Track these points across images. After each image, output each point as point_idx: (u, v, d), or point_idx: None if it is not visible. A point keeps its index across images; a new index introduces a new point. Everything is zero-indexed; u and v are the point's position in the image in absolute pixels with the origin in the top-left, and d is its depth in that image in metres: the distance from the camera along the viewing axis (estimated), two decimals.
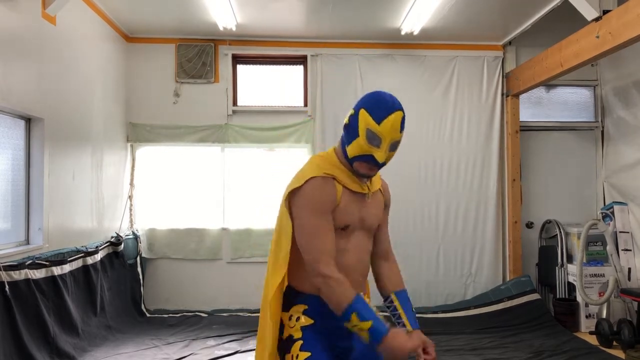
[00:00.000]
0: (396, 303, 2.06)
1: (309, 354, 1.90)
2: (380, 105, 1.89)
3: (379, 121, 1.86)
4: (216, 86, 6.14)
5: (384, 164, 1.92)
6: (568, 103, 6.37)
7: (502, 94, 6.23)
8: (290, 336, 1.95)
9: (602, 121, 6.22)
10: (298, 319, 1.96)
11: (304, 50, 6.16)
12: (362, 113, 1.90)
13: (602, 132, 6.21)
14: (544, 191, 6.30)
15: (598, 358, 4.45)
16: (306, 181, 1.92)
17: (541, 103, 6.40)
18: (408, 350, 1.76)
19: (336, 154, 2.03)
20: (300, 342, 1.93)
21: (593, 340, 4.92)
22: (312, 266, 1.86)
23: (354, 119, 1.92)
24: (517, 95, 6.10)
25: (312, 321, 1.95)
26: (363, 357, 2.00)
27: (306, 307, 1.97)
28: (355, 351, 2.02)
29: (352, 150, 1.92)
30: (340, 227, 1.95)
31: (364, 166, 1.93)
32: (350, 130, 1.93)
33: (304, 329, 1.95)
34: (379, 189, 2.12)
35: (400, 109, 1.90)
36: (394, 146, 1.92)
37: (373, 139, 1.88)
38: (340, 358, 2.00)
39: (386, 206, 2.17)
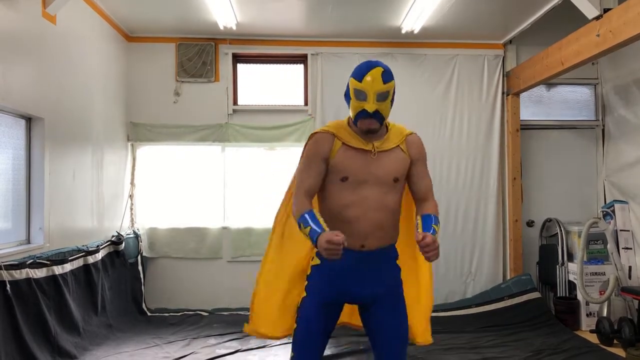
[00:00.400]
0: (418, 220, 2.31)
1: (305, 294, 2.37)
2: (361, 67, 2.26)
3: (360, 79, 2.23)
4: (216, 85, 6.14)
5: (380, 115, 2.25)
6: (568, 101, 6.37)
7: (503, 93, 6.23)
8: (309, 274, 2.41)
9: (602, 120, 6.22)
10: (313, 258, 2.40)
11: (304, 49, 6.16)
12: (350, 81, 2.29)
13: (603, 130, 6.21)
14: (545, 190, 6.30)
15: (598, 356, 4.45)
16: (310, 136, 2.37)
17: (541, 101, 6.40)
18: (326, 240, 2.00)
19: (348, 120, 2.40)
20: (306, 282, 2.39)
21: (594, 338, 4.92)
22: (293, 196, 2.33)
23: (347, 88, 2.32)
24: (517, 94, 6.10)
25: (319, 262, 2.35)
26: (385, 323, 2.32)
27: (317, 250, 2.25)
28: (377, 312, 2.32)
29: (352, 113, 2.31)
30: (339, 178, 2.29)
31: (363, 122, 2.27)
32: (347, 98, 2.33)
33: (313, 267, 2.39)
34: (399, 146, 2.37)
35: (381, 65, 2.24)
36: (381, 96, 2.23)
37: (359, 94, 2.24)
38: (356, 302, 2.37)
39: (415, 160, 2.42)
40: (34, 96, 4.07)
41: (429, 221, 2.27)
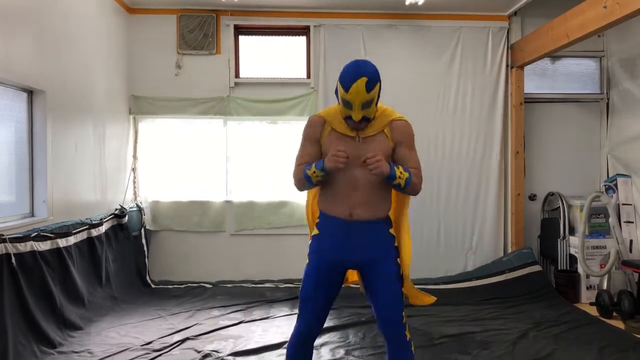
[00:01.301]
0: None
1: (308, 260, 2.67)
2: (347, 76, 2.44)
3: (346, 90, 2.43)
4: (218, 58, 6.09)
5: (365, 119, 2.50)
6: (573, 74, 6.31)
7: (507, 66, 6.17)
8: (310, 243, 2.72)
9: (607, 93, 6.18)
10: (313, 229, 2.72)
11: (307, 20, 6.09)
12: (338, 84, 2.51)
13: (607, 104, 6.16)
14: (547, 163, 6.29)
15: (597, 329, 4.50)
16: (308, 120, 2.73)
17: (546, 74, 6.34)
18: (331, 154, 2.46)
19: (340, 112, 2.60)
20: (308, 251, 2.69)
21: (593, 311, 4.97)
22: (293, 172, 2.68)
23: (336, 90, 2.55)
24: (521, 67, 6.04)
25: (317, 232, 2.68)
26: (378, 288, 2.58)
27: (319, 220, 2.69)
28: (371, 277, 2.60)
29: (340, 112, 2.58)
30: None
31: (350, 124, 2.54)
32: (337, 97, 2.57)
33: (313, 237, 2.70)
34: (383, 131, 2.58)
35: (365, 74, 2.41)
36: (366, 104, 2.44)
37: (346, 104, 2.47)
38: (350, 268, 2.67)
39: (398, 143, 2.59)
40: (35, 69, 4.05)
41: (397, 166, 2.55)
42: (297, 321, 2.63)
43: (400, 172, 2.50)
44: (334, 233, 2.61)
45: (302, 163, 2.63)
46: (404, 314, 2.56)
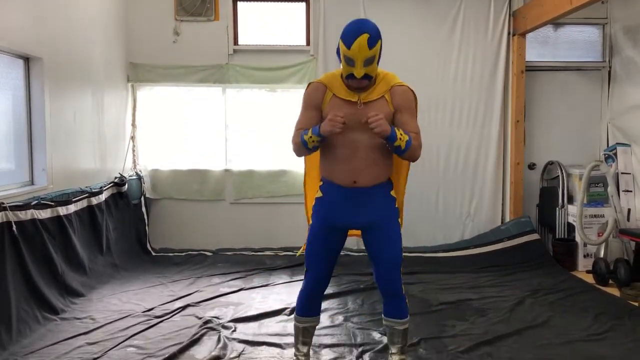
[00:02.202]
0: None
1: (311, 221, 2.80)
2: (349, 33, 2.48)
3: (348, 46, 2.46)
4: (216, 24, 6.01)
5: (368, 76, 2.52)
6: (576, 42, 6.23)
7: (509, 33, 6.08)
8: (313, 203, 2.82)
9: (609, 61, 6.11)
10: (317, 191, 2.80)
11: None
12: (340, 42, 2.53)
13: (609, 72, 6.11)
14: (548, 132, 6.27)
15: (593, 296, 4.55)
16: (307, 85, 2.77)
17: (548, 42, 6.26)
18: (328, 118, 2.52)
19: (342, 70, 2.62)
20: (311, 211, 2.82)
21: (589, 279, 5.02)
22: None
23: (338, 48, 2.57)
24: (523, 35, 5.96)
25: (321, 194, 2.76)
26: (378, 247, 2.73)
27: (322, 183, 2.78)
28: (372, 237, 2.74)
29: (342, 71, 2.59)
30: None
31: (352, 82, 2.56)
32: (338, 57, 2.58)
33: (317, 199, 2.79)
34: (384, 96, 2.63)
35: (366, 31, 2.45)
36: (368, 61, 2.48)
37: (349, 61, 2.50)
38: (352, 228, 2.77)
39: (398, 108, 2.64)
40: (32, 36, 4.00)
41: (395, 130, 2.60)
42: (305, 277, 2.81)
43: (401, 134, 2.56)
44: (337, 200, 2.70)
45: (302, 128, 2.69)
46: (401, 270, 2.76)
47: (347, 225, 2.75)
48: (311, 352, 3.05)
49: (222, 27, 6.01)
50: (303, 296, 2.84)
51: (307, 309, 2.85)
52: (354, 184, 2.65)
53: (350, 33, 2.47)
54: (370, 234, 2.74)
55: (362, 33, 2.45)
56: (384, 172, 2.72)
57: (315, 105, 2.69)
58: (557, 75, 6.25)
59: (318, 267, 2.76)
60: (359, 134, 2.60)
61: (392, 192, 2.78)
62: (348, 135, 2.59)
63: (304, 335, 2.90)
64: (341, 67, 2.59)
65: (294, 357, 2.95)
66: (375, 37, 2.48)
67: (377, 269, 2.75)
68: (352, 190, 2.67)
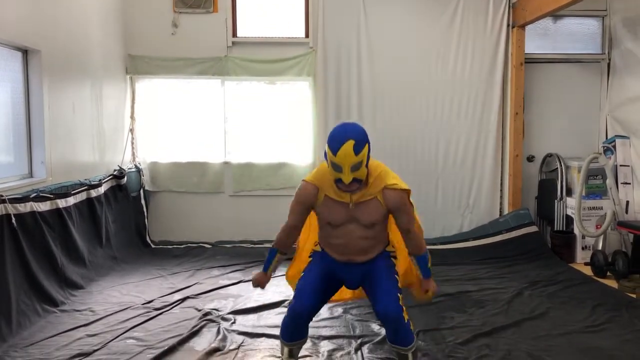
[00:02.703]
0: (413, 263, 2.86)
1: (309, 261, 2.92)
2: (334, 139, 2.46)
3: (335, 153, 2.43)
4: (215, 16, 5.99)
5: (356, 180, 2.48)
6: (575, 34, 6.22)
7: (508, 25, 6.06)
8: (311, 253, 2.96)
9: (608, 53, 6.10)
10: (316, 244, 2.94)
11: None
12: (326, 148, 2.50)
13: (609, 64, 6.10)
14: (547, 125, 6.26)
15: (591, 288, 4.56)
16: (302, 181, 2.74)
17: (547, 34, 6.24)
18: (255, 277, 2.97)
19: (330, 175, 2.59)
20: (310, 259, 2.93)
21: (588, 271, 5.04)
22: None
23: (325, 154, 2.53)
24: (523, 26, 5.95)
25: (319, 249, 2.88)
26: (375, 282, 2.76)
27: (319, 242, 2.92)
28: (369, 282, 2.80)
29: (331, 176, 2.55)
30: (325, 222, 2.72)
31: (341, 186, 2.52)
32: (326, 162, 2.56)
33: (315, 252, 2.91)
34: (377, 197, 2.62)
35: (352, 137, 2.42)
36: (355, 167, 2.44)
37: (336, 167, 2.47)
38: (343, 281, 2.90)
39: (394, 211, 2.66)
40: (30, 28, 3.98)
41: (423, 263, 2.80)
42: (292, 305, 2.76)
43: (429, 266, 2.82)
44: (332, 266, 2.82)
45: (291, 224, 2.78)
46: (400, 296, 2.67)
47: (342, 279, 2.87)
48: (310, 343, 3.08)
49: (220, 19, 5.99)
50: (289, 324, 2.76)
51: (293, 336, 2.80)
52: (349, 261, 2.77)
53: (336, 139, 2.45)
54: (368, 281, 2.79)
55: (347, 139, 2.42)
56: (378, 249, 2.81)
57: (307, 206, 2.74)
58: (556, 67, 6.24)
59: (309, 298, 2.74)
60: (352, 226, 2.67)
61: (388, 248, 2.88)
62: (342, 227, 2.68)
63: (290, 355, 2.87)
64: (330, 173, 2.54)
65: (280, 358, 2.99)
66: (361, 143, 2.44)
67: (375, 305, 2.72)
68: (347, 265, 2.79)
